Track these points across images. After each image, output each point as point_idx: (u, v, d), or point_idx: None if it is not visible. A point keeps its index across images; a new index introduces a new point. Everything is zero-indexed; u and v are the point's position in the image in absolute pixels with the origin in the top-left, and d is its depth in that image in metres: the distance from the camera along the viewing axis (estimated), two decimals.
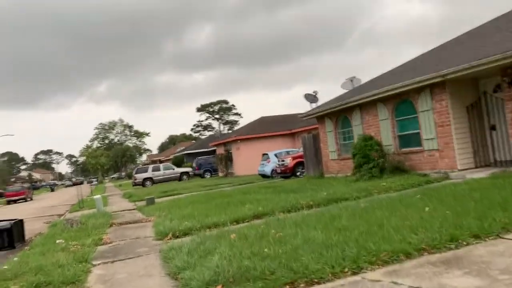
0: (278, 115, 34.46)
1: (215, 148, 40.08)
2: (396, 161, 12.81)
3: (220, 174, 34.37)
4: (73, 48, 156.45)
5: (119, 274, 5.93)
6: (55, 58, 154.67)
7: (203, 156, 41.74)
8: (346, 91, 17.78)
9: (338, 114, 15.95)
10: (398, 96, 12.82)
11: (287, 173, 20.36)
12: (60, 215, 19.77)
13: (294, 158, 20.35)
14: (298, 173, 20.19)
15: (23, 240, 12.07)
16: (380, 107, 13.74)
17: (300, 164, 20.24)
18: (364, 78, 19.17)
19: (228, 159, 32.37)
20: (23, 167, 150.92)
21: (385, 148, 13.55)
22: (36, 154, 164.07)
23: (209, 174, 37.93)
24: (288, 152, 23.46)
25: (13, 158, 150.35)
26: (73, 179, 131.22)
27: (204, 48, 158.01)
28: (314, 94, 17.58)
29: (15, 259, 8.10)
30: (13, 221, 11.84)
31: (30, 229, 15.06)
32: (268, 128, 30.73)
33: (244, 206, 10.49)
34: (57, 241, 9.41)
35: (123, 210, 16.35)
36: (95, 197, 15.60)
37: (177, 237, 8.23)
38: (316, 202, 9.63)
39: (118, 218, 13.68)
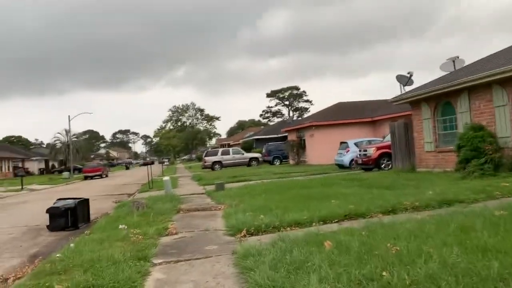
0: (357, 101, 32.00)
1: (286, 134, 38.51)
2: None
3: (291, 161, 32.79)
4: (155, 35, 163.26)
5: (182, 284, 4.59)
6: (139, 44, 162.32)
7: (273, 142, 40.40)
8: (445, 73, 15.29)
9: (439, 98, 13.63)
10: None
11: (370, 164, 18.29)
12: (130, 195, 19.46)
13: (378, 148, 18.21)
14: (382, 165, 18.05)
15: (88, 220, 11.43)
16: (496, 91, 11.32)
17: (385, 155, 18.09)
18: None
19: (300, 146, 30.68)
20: (103, 145, 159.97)
21: (500, 140, 11.17)
22: (115, 133, 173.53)
23: (278, 161, 36.54)
24: (369, 142, 21.32)
25: (94, 136, 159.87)
26: (147, 159, 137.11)
27: (280, 35, 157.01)
28: (408, 75, 15.25)
29: (71, 245, 7.17)
30: (78, 200, 11.22)
31: (98, 208, 14.66)
32: (346, 114, 28.50)
33: (329, 202, 8.85)
34: (120, 226, 8.45)
35: (192, 194, 15.42)
36: (164, 178, 14.78)
37: (252, 234, 6.83)
38: (423, 203, 7.74)
39: (186, 202, 12.69)
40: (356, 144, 21.32)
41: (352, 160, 20.74)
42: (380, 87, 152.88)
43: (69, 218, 10.52)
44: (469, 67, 13.66)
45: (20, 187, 31.77)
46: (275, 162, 36.26)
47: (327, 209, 7.88)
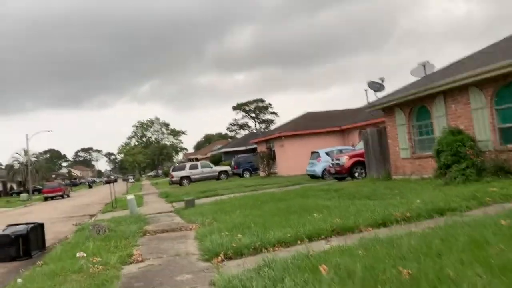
0: (325, 111, 31.69)
1: (255, 146, 37.85)
2: (501, 160, 10.07)
3: (261, 173, 32.05)
4: (118, 49, 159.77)
5: None
6: (100, 59, 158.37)
7: (242, 154, 39.59)
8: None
9: (414, 103, 13.29)
10: (503, 78, 10.08)
11: (343, 173, 17.79)
12: (91, 216, 18.16)
13: (351, 157, 17.75)
14: (356, 174, 17.58)
15: (43, 247, 10.20)
16: (473, 93, 11.02)
17: (358, 164, 17.63)
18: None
19: (270, 157, 30.03)
20: (65, 164, 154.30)
21: (480, 144, 10.83)
22: (77, 152, 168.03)
23: (248, 173, 35.72)
24: (341, 151, 20.88)
25: (55, 156, 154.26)
26: (112, 177, 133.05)
27: (245, 49, 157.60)
28: (380, 82, 14.89)
29: (19, 280, 6.11)
30: (31, 226, 10.00)
31: (56, 232, 13.44)
32: (314, 124, 28.10)
33: (312, 215, 8.13)
34: (78, 255, 7.40)
35: (159, 213, 14.37)
36: (128, 197, 13.67)
37: (231, 258, 5.99)
38: (414, 214, 7.12)
39: (153, 222, 11.66)
40: (327, 153, 20.85)
41: (324, 169, 20.22)
42: (342, 98, 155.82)
43: (20, 246, 9.31)
44: (441, 71, 13.42)
45: None
46: (245, 175, 35.41)
47: (311, 224, 7.14)
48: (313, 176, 21.00)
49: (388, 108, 14.37)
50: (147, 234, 9.46)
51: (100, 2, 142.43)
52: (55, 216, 20.04)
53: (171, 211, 14.49)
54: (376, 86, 15.08)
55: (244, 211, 10.62)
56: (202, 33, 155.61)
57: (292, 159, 26.58)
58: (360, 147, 19.00)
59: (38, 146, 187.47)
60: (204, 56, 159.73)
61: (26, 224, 10.20)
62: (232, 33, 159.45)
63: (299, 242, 6.41)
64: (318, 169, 20.49)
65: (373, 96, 17.40)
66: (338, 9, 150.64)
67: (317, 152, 21.13)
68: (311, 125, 28.15)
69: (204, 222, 9.55)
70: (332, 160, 18.58)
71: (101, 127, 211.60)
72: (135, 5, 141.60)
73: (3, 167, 70.63)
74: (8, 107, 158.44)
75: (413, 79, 15.60)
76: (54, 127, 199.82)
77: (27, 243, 9.38)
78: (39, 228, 10.26)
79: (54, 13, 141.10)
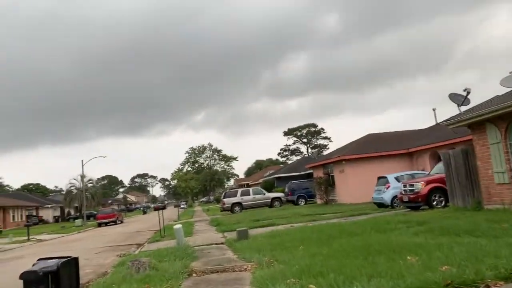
0: (389, 132, 29.11)
1: (310, 171, 35.73)
2: None
3: (319, 201, 29.81)
4: (176, 80, 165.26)
5: None
6: (161, 90, 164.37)
7: (296, 180, 37.56)
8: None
9: (511, 117, 10.94)
10: None
11: (419, 202, 15.41)
12: (139, 245, 16.97)
13: (428, 182, 15.37)
14: (434, 203, 15.15)
15: (77, 285, 8.89)
16: None
17: (436, 191, 15.23)
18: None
19: (328, 183, 27.84)
20: (121, 190, 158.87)
21: None
22: (133, 178, 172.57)
23: (303, 200, 33.58)
24: (412, 175, 18.46)
25: (112, 181, 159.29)
26: (165, 202, 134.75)
27: (299, 76, 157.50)
28: (466, 92, 12.59)
29: None
30: (63, 261, 8.71)
31: (97, 265, 12.21)
32: (378, 147, 25.71)
33: (405, 259, 6.12)
34: None
35: (209, 244, 12.78)
36: (175, 227, 12.23)
37: None
38: None
39: (202, 257, 10.06)
40: (397, 178, 18.49)
41: (394, 197, 17.87)
42: (399, 122, 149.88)
43: (49, 285, 7.97)
44: None
45: (27, 237, 29.45)
46: (299, 202, 33.31)
47: (411, 274, 5.16)
48: (381, 205, 18.64)
49: (477, 123, 12.05)
50: (194, 274, 7.82)
51: (159, 34, 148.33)
52: (102, 245, 19.05)
53: (222, 243, 12.87)
54: (461, 98, 12.81)
55: (309, 247, 8.74)
56: (258, 61, 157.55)
57: (354, 186, 24.26)
58: (437, 171, 16.58)
59: (97, 172, 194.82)
60: (259, 84, 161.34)
61: (59, 258, 8.90)
62: (287, 59, 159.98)
63: None
64: (386, 196, 18.15)
65: (441, 117, 14.95)
66: (394, 33, 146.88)
67: (385, 178, 18.82)
68: (374, 148, 25.76)
69: (262, 261, 7.78)
70: (405, 186, 16.24)
71: (158, 155, 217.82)
72: (191, 35, 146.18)
73: (63, 193, 72.98)
74: (73, 136, 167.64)
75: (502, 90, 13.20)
76: (116, 155, 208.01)
77: (57, 281, 8.02)
78: (72, 263, 8.91)
79: (118, 46, 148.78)
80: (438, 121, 28.50)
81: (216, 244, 12.83)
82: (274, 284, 5.54)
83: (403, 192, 16.29)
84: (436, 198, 15.19)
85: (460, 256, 5.82)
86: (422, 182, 15.42)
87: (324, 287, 5.01)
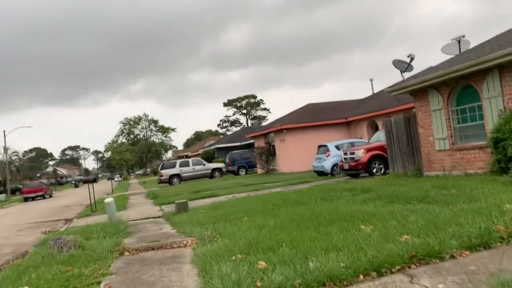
0: (328, 102, 29.17)
1: (250, 141, 35.34)
2: None
3: (259, 170, 29.54)
4: (112, 48, 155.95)
5: None
6: (97, 58, 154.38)
7: (237, 150, 37.02)
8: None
9: (455, 83, 10.90)
10: None
11: (359, 169, 15.41)
12: (67, 221, 15.64)
13: (368, 150, 15.37)
14: (374, 170, 15.21)
15: None
16: None
17: (376, 158, 15.28)
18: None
19: (269, 153, 27.52)
20: (51, 163, 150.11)
21: None
22: (64, 150, 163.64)
23: (244, 170, 33.19)
24: (352, 144, 18.49)
25: (41, 154, 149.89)
26: (99, 175, 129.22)
27: (240, 48, 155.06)
28: (409, 59, 12.42)
29: None
30: None
31: (19, 244, 10.95)
32: (318, 116, 25.65)
33: (358, 229, 5.69)
34: None
35: (145, 218, 11.87)
36: (105, 200, 11.14)
37: None
38: None
39: (136, 233, 9.19)
40: (337, 147, 18.45)
41: (334, 165, 17.84)
42: (336, 94, 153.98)
43: None
44: (492, 43, 11.01)
45: None
46: (240, 172, 32.89)
47: (370, 245, 4.70)
48: (321, 173, 18.59)
49: (420, 90, 11.96)
50: (126, 253, 6.94)
51: (95, 2, 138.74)
52: (26, 221, 17.39)
53: (159, 216, 12.00)
54: (404, 65, 12.65)
55: (254, 218, 8.17)
56: (198, 31, 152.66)
57: (294, 154, 24.13)
58: (376, 139, 16.66)
59: (26, 145, 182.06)
60: (199, 54, 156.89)
61: None
62: (229, 30, 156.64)
63: (361, 277, 4.00)
64: (327, 164, 18.07)
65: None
66: (334, 8, 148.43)
67: (326, 146, 18.71)
68: (314, 117, 25.68)
69: (204, 236, 7.07)
70: (346, 154, 16.16)
71: (92, 126, 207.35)
72: (129, 3, 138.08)
73: None
74: (4, 106, 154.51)
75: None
76: (46, 126, 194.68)
77: None
78: None
79: (48, 13, 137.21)
80: (375, 91, 29.00)
81: (153, 218, 11.94)
82: (218, 262, 4.85)
83: (343, 160, 16.23)
84: (376, 165, 15.26)
85: (418, 224, 5.46)
86: (363, 150, 15.39)
87: (276, 264, 4.40)
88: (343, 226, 6.06)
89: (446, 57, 13.15)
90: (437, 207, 6.63)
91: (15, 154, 58.62)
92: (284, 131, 24.68)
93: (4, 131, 47.11)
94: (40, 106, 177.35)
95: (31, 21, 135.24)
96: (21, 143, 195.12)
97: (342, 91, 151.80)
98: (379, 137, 15.98)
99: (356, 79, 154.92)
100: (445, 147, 11.45)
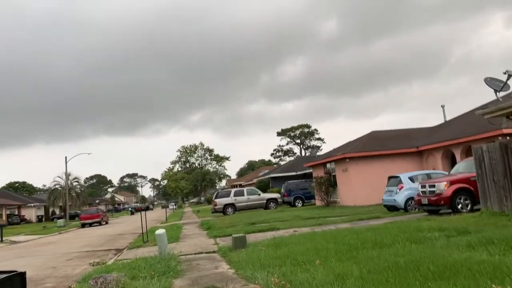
0: (394, 130, 27.11)
1: (307, 171, 33.68)
2: None
3: (318, 202, 27.72)
4: (175, 80, 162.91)
5: None
6: (158, 89, 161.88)
7: (292, 180, 35.42)
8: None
9: None
10: None
11: (441, 204, 13.39)
12: (118, 251, 14.82)
13: (452, 183, 13.36)
14: (459, 206, 13.15)
15: None
16: None
17: (461, 192, 13.23)
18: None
19: (330, 183, 25.75)
20: (110, 189, 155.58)
21: None
22: (122, 177, 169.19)
23: (300, 202, 31.49)
24: (428, 175, 16.44)
25: (102, 181, 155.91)
26: (154, 203, 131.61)
27: (296, 79, 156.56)
28: (507, 76, 10.55)
29: None
30: (4, 277, 6.63)
31: (64, 276, 10.13)
32: (384, 144, 23.67)
33: (484, 286, 4.06)
34: None
35: (198, 253, 10.64)
36: (157, 232, 10.06)
37: None
38: None
39: (189, 271, 7.97)
40: (411, 178, 16.48)
41: (408, 199, 15.84)
42: (392, 126, 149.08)
43: None
44: None
45: (0, 239, 26.99)
46: (296, 204, 31.19)
47: None
48: (392, 208, 16.59)
49: None
50: None
51: (159, 34, 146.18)
52: (77, 250, 16.82)
53: (214, 251, 10.72)
54: (499, 84, 10.81)
55: (329, 262, 6.64)
56: (257, 64, 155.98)
57: (358, 186, 22.22)
58: (458, 170, 14.60)
59: (86, 171, 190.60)
60: (256, 86, 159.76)
61: (4, 272, 6.75)
62: (285, 63, 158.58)
63: None
64: (400, 198, 16.09)
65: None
66: (389, 39, 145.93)
67: (398, 177, 16.76)
68: (379, 146, 23.73)
69: (270, 284, 5.66)
70: (423, 187, 14.20)
71: (152, 155, 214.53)
72: (192, 37, 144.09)
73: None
74: (69, 135, 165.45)
75: None
76: (107, 154, 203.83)
77: None
78: (17, 280, 6.78)
79: (117, 46, 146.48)
80: (447, 119, 26.61)
81: (207, 253, 10.68)
82: None
83: (421, 193, 14.26)
84: (461, 200, 13.19)
85: None
86: (445, 183, 13.39)
87: None
88: (464, 284, 4.43)
89: None
90: None
91: (76, 180, 60.50)
92: (347, 160, 22.89)
93: (66, 157, 48.68)
94: (103, 135, 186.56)
95: (102, 55, 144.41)
96: (82, 170, 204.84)
97: (400, 122, 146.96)
98: (464, 168, 13.97)
99: (415, 109, 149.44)
100: None
